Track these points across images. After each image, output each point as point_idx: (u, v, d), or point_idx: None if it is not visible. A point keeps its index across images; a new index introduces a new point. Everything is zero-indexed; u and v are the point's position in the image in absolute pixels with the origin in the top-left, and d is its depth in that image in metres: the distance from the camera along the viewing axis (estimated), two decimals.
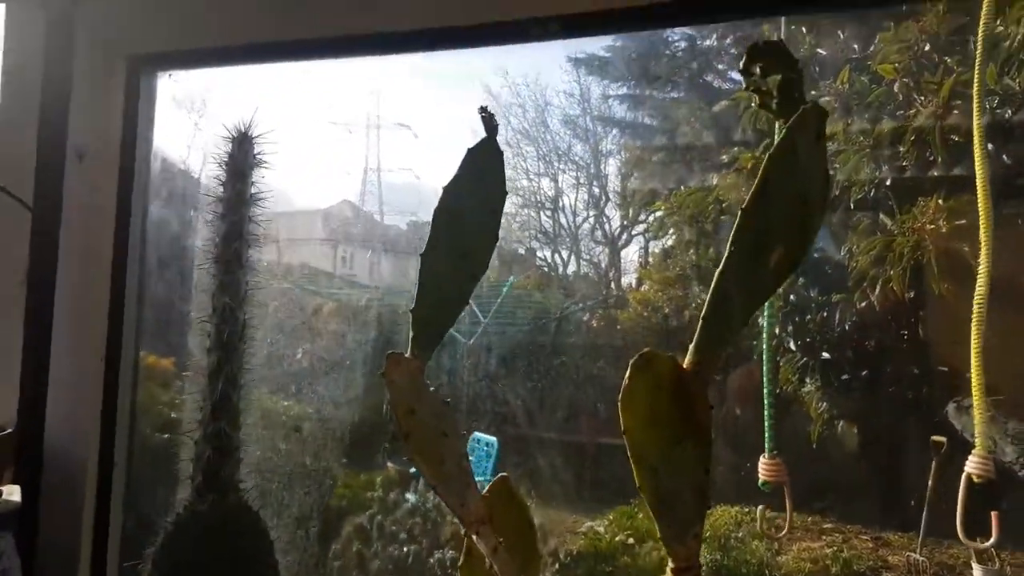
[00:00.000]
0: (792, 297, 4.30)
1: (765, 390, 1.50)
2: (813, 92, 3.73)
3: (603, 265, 7.03)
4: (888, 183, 3.53)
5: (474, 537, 0.64)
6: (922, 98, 3.42)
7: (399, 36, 0.90)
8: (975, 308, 1.22)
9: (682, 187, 4.72)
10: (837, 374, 4.23)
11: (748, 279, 0.66)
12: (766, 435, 1.46)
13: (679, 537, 0.64)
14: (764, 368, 1.52)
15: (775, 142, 0.65)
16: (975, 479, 1.12)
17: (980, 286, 1.20)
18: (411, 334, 0.69)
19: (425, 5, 0.88)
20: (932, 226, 3.27)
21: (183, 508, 0.69)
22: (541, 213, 6.96)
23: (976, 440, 1.15)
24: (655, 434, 0.65)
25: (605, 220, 6.80)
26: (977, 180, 1.36)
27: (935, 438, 3.57)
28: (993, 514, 1.18)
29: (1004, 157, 3.20)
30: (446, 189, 0.74)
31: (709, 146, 4.94)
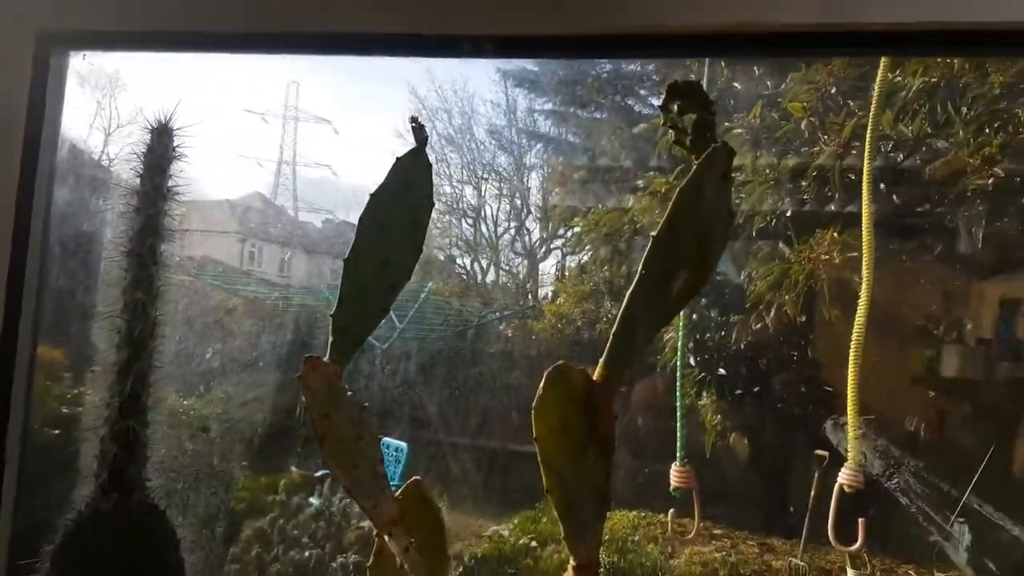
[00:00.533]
0: (693, 316, 4.46)
1: (678, 403, 1.57)
2: (727, 123, 3.90)
3: (521, 276, 7.10)
4: (788, 214, 3.73)
5: (386, 538, 0.65)
6: (825, 137, 3.63)
7: (323, 37, 0.89)
8: (854, 335, 1.32)
9: (600, 206, 4.84)
10: (731, 389, 4.42)
11: (655, 301, 0.70)
12: (678, 444, 1.53)
13: (581, 537, 0.68)
14: (678, 383, 1.59)
15: (687, 177, 0.69)
16: (846, 489, 1.22)
17: (860, 315, 1.30)
18: (330, 339, 0.70)
19: (360, 8, 0.87)
20: (826, 257, 3.48)
21: (84, 506, 0.67)
22: (463, 221, 6.95)
23: (848, 455, 1.24)
24: (564, 441, 0.68)
25: (525, 232, 6.86)
26: (863, 217, 1.47)
27: (818, 452, 3.79)
28: (860, 521, 1.27)
29: (894, 197, 3.44)
30: (372, 196, 0.76)
31: (627, 168, 5.08)
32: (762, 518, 4.47)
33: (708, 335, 4.41)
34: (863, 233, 1.47)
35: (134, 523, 0.64)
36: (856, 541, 1.32)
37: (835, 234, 3.61)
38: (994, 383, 2.91)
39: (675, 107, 0.77)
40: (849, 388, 1.23)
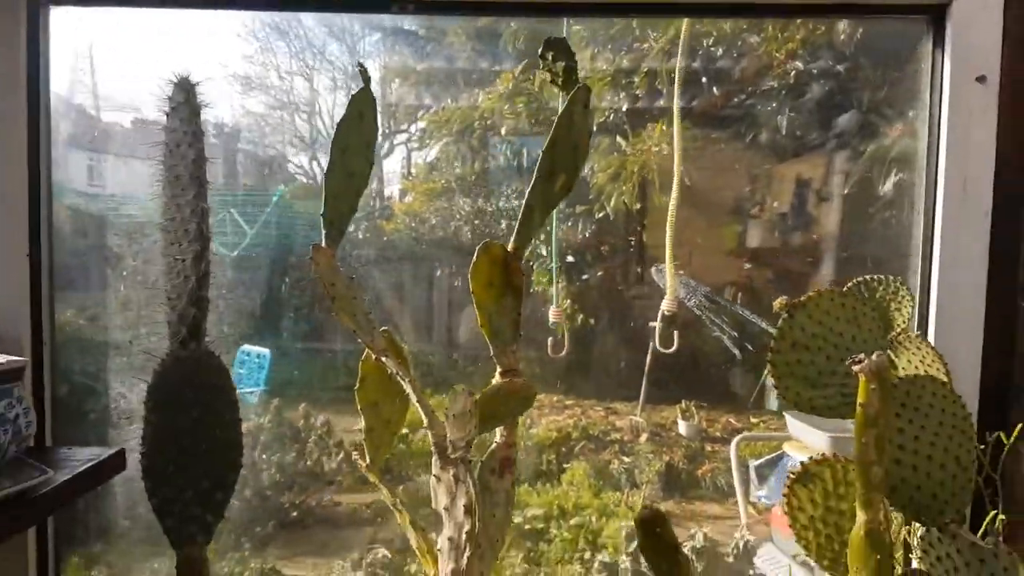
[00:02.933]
0: None
1: (553, 264, 2.04)
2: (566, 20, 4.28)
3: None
4: (624, 110, 4.23)
5: (383, 359, 1.04)
6: (655, 34, 4.11)
7: None
8: (671, 203, 1.80)
9: (450, 102, 5.07)
10: (579, 274, 5.00)
11: (544, 194, 1.11)
12: (555, 290, 2.05)
13: (504, 352, 1.10)
14: (553, 250, 2.07)
15: (560, 109, 1.09)
16: (667, 312, 1.73)
17: (676, 177, 1.77)
18: (324, 232, 1.05)
19: None
20: (656, 148, 4.03)
21: (167, 355, 0.98)
22: (295, 116, 6.76)
23: (668, 289, 1.74)
24: (491, 291, 1.09)
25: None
26: (674, 111, 1.93)
27: (652, 323, 4.48)
28: (675, 332, 1.78)
29: (714, 90, 4.02)
30: (338, 127, 1.09)
31: (473, 62, 5.29)
32: (606, 387, 5.15)
33: (557, 224, 4.91)
34: (674, 125, 1.94)
35: (205, 364, 0.97)
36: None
37: (663, 127, 4.15)
38: (790, 250, 3.65)
39: (549, 56, 1.16)
40: (667, 239, 1.71)
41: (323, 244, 1.05)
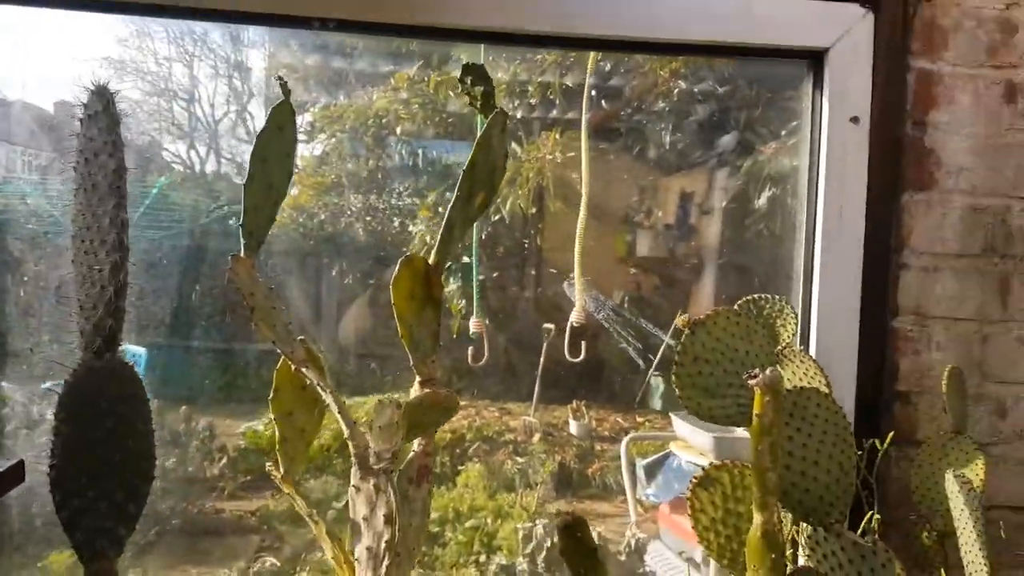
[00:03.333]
0: (440, 209, 4.97)
1: (474, 276, 2.08)
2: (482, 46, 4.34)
3: (246, 165, 6.93)
4: (519, 118, 4.33)
5: (303, 370, 1.05)
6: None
7: None
8: (580, 221, 1.89)
9: (343, 98, 5.02)
10: (475, 275, 5.06)
11: (464, 213, 1.15)
12: (475, 304, 2.10)
13: (423, 362, 1.13)
14: (474, 263, 2.12)
15: (479, 132, 1.14)
16: (575, 324, 1.82)
17: (584, 197, 1.86)
18: (243, 242, 1.05)
19: None
20: (551, 156, 4.15)
21: (78, 366, 0.95)
22: (174, 103, 6.48)
23: (576, 300, 1.82)
24: (412, 304, 1.12)
25: (249, 117, 6.62)
26: (582, 126, 2.03)
27: (546, 325, 4.61)
28: (583, 343, 1.87)
29: (603, 104, 4.19)
30: (257, 139, 1.10)
31: (367, 61, 5.24)
32: (500, 388, 5.25)
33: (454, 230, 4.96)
34: (582, 140, 2.04)
35: (119, 375, 0.95)
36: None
37: (556, 136, 4.29)
38: (675, 259, 3.86)
39: (468, 80, 1.20)
40: (576, 254, 1.80)
41: (242, 254, 1.06)
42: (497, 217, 4.67)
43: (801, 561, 1.03)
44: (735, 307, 1.07)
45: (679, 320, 1.04)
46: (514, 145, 4.57)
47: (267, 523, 3.58)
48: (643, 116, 3.88)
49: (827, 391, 1.09)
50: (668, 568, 2.68)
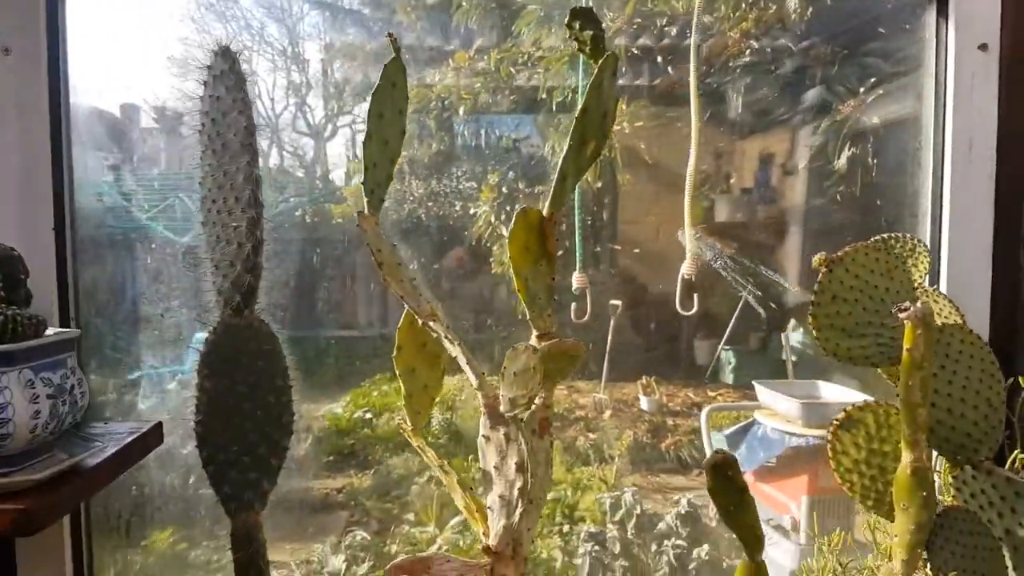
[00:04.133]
0: (503, 188, 4.95)
1: (577, 231, 2.05)
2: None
3: (308, 158, 7.06)
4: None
5: (430, 324, 1.05)
6: (611, 14, 4.16)
7: None
8: (690, 168, 1.84)
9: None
10: (579, 230, 5.03)
11: (576, 162, 1.14)
12: (577, 258, 2.09)
13: (540, 316, 1.13)
14: (576, 217, 2.09)
15: (592, 77, 1.12)
16: (686, 276, 1.74)
17: (691, 162, 1.81)
18: (366, 199, 1.06)
19: None
20: (617, 127, 4.09)
21: (217, 324, 0.97)
22: None
23: (688, 251, 1.75)
24: (527, 256, 1.12)
25: (308, 110, 6.74)
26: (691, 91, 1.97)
27: (612, 302, 4.57)
28: (695, 295, 1.79)
29: (669, 70, 4.11)
30: (373, 96, 1.10)
31: (423, 40, 5.24)
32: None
33: (518, 205, 4.94)
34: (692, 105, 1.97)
35: (258, 330, 0.97)
36: (693, 308, 1.88)
37: (622, 106, 4.21)
38: (756, 224, 3.77)
39: (576, 25, 1.18)
40: (687, 205, 1.74)
41: (366, 212, 1.07)
42: None
43: (948, 502, 1.00)
44: (870, 243, 1.04)
45: (816, 259, 1.01)
46: None
47: (354, 499, 3.65)
48: (714, 77, 3.80)
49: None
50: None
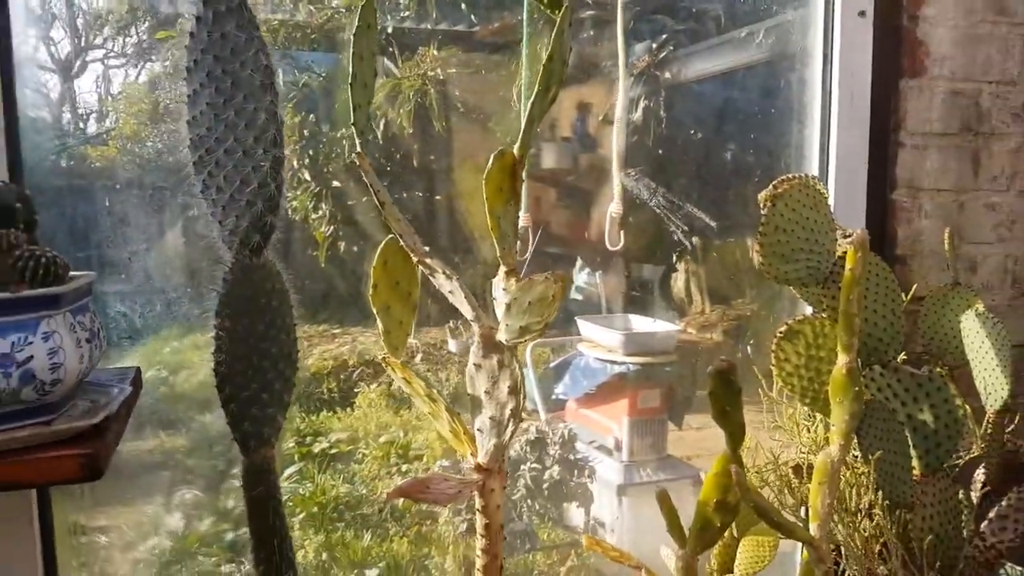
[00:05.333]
0: (306, 131, 4.77)
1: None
2: None
3: (54, 96, 6.31)
4: (390, 31, 4.20)
5: (426, 261, 1.08)
6: None
7: None
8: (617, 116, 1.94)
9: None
10: (345, 200, 4.95)
11: (541, 105, 1.21)
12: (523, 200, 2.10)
13: (509, 251, 1.19)
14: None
15: (555, 26, 1.19)
16: (614, 214, 1.79)
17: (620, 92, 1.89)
18: (357, 140, 1.06)
19: None
20: (432, 73, 4.10)
21: (233, 264, 0.92)
22: None
23: (615, 190, 1.80)
24: (500, 197, 1.17)
25: (51, 43, 6.00)
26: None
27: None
28: (621, 232, 1.85)
29: (472, 18, 4.16)
30: (353, 38, 1.09)
31: None
32: (371, 315, 5.22)
33: (321, 148, 4.78)
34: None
35: (271, 270, 0.94)
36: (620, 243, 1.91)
37: (434, 51, 4.22)
38: (577, 171, 4.00)
39: None
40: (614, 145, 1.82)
41: (359, 151, 1.07)
42: (371, 137, 4.56)
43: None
44: (800, 180, 1.22)
45: (763, 196, 1.17)
46: (387, 62, 4.45)
47: (172, 459, 3.46)
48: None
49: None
50: (586, 452, 2.95)
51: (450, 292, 1.12)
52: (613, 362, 3.31)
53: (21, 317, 0.76)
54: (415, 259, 1.12)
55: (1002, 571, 1.32)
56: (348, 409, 4.37)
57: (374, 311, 1.23)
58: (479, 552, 1.18)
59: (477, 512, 1.17)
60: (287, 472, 3.29)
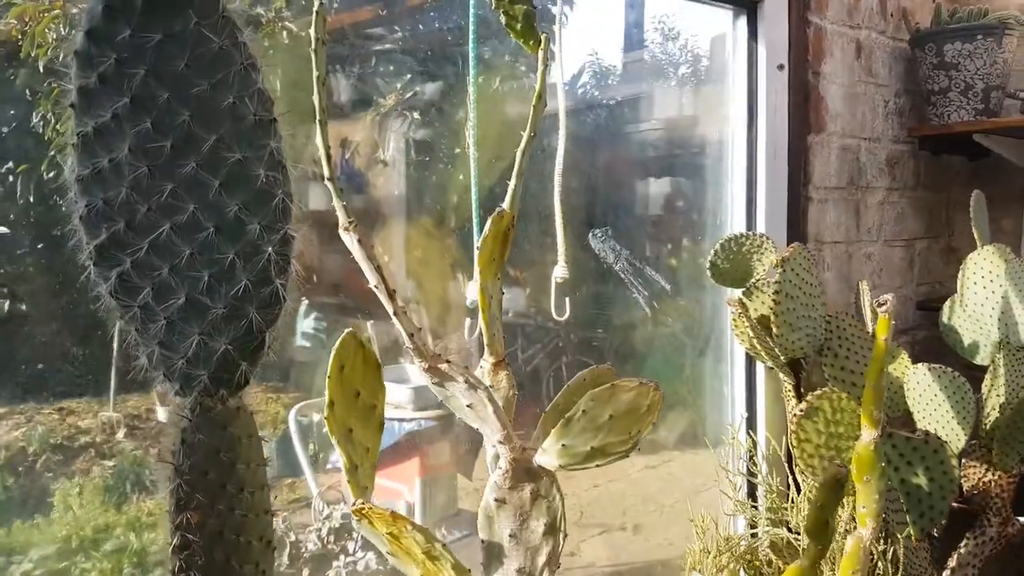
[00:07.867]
0: None
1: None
2: None
3: None
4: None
5: (440, 368, 0.76)
6: None
7: None
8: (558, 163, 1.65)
9: None
10: (15, 248, 4.02)
11: (528, 153, 0.96)
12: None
13: (497, 340, 0.93)
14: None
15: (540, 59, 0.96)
16: (559, 280, 1.43)
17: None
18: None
19: None
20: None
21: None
22: None
23: (561, 255, 1.46)
24: (491, 268, 0.93)
25: None
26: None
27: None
28: (567, 300, 1.51)
29: None
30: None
31: None
32: (49, 386, 4.33)
33: None
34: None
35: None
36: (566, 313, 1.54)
37: None
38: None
39: None
40: (556, 203, 1.52)
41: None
42: (53, 174, 3.75)
43: None
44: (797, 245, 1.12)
45: (773, 260, 1.05)
46: None
47: None
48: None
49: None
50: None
51: (469, 406, 0.82)
52: (402, 420, 3.03)
53: None
54: (422, 366, 0.79)
55: None
56: (43, 515, 3.46)
57: (332, 439, 0.86)
58: None
59: None
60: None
